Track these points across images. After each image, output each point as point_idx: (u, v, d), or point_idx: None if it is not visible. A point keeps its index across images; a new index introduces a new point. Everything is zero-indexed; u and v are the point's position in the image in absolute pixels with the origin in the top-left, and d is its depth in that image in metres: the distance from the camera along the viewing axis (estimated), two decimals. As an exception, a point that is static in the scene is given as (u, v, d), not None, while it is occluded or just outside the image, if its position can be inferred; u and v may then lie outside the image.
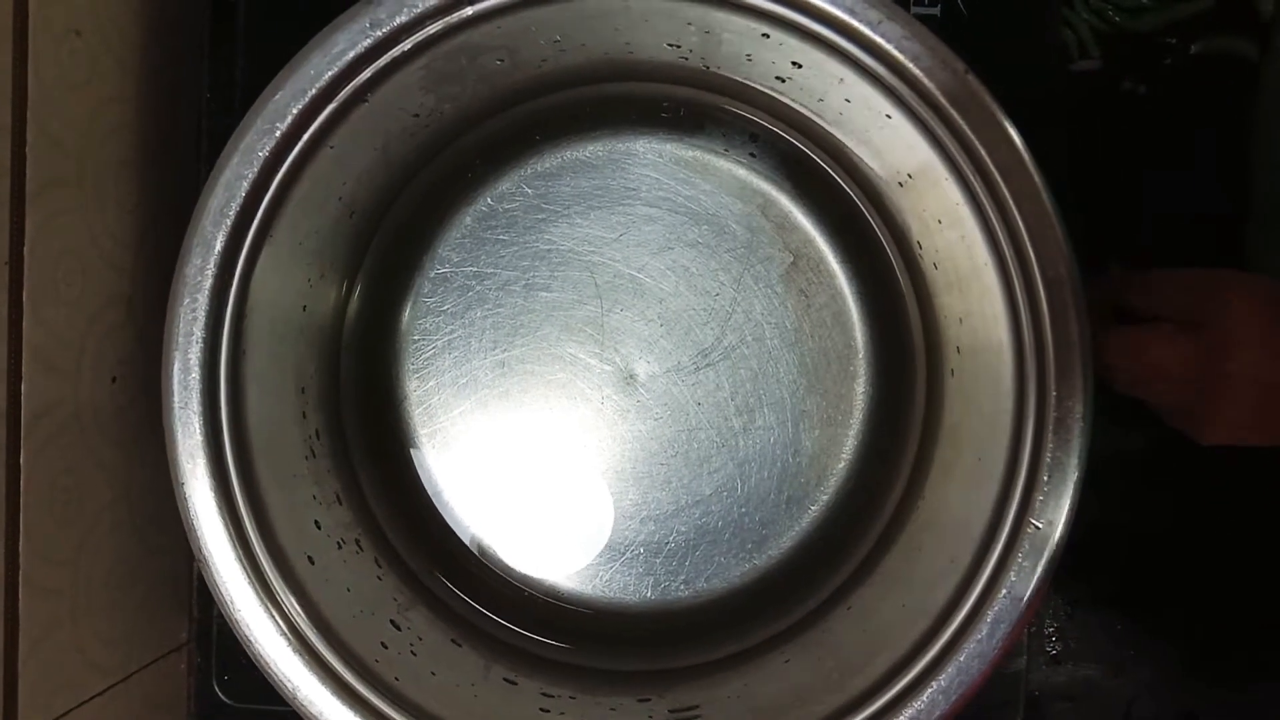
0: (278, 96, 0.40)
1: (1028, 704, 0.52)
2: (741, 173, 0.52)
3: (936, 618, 0.41)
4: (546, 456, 0.52)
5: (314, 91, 0.41)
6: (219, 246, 0.41)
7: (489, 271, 0.52)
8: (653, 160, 0.52)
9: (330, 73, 0.41)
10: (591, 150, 0.52)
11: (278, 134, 0.40)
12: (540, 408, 0.52)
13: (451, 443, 0.52)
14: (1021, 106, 0.40)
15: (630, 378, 0.52)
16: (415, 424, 0.52)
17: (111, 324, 0.48)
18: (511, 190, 0.52)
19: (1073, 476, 0.40)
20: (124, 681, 0.50)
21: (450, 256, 0.52)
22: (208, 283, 0.41)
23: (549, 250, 0.52)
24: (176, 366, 0.41)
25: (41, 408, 0.43)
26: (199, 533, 0.41)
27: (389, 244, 0.52)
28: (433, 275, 0.52)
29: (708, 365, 0.52)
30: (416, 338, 0.52)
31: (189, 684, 0.54)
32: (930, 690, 0.40)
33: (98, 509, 0.48)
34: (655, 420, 0.52)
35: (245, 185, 0.41)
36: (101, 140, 0.47)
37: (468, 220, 0.52)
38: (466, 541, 0.52)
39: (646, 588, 0.52)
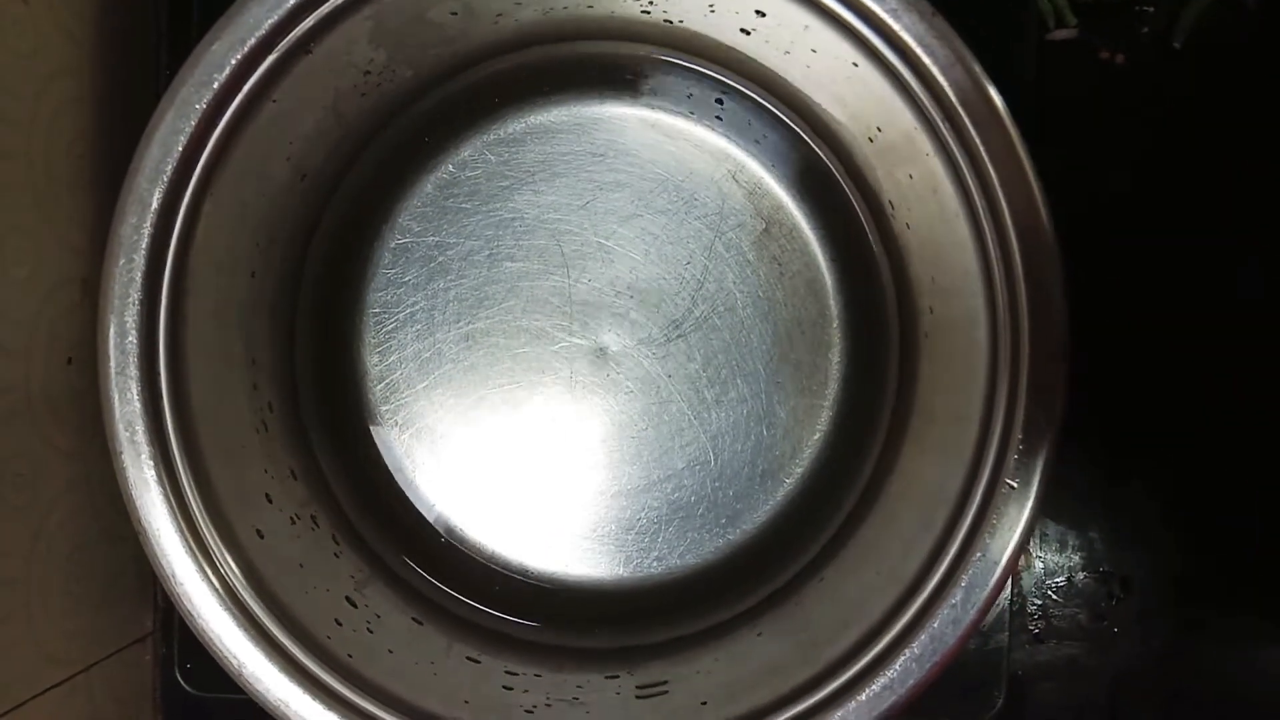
0: (215, 46, 0.39)
1: (1010, 683, 0.51)
2: (710, 136, 0.50)
3: (909, 585, 0.40)
4: (514, 432, 0.51)
5: (253, 41, 0.39)
6: (155, 205, 0.39)
7: (452, 241, 0.50)
8: (618, 125, 0.50)
9: (270, 20, 0.39)
10: (555, 115, 0.51)
11: (215, 86, 0.39)
12: (507, 382, 0.50)
13: (415, 419, 0.51)
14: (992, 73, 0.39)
15: (599, 350, 0.50)
16: (376, 400, 0.51)
17: (66, 305, 0.47)
18: (473, 157, 0.51)
19: (1048, 433, 0.38)
20: (84, 673, 0.49)
21: (411, 226, 0.51)
22: (144, 242, 0.39)
23: (513, 219, 0.50)
24: (112, 330, 0.39)
25: (-9, 391, 0.42)
26: (136, 502, 0.39)
27: (346, 212, 0.51)
28: (393, 245, 0.51)
29: (679, 336, 0.50)
30: (377, 311, 0.51)
31: (154, 674, 0.53)
32: (903, 658, 0.38)
33: (54, 495, 0.46)
34: (625, 394, 0.50)
35: (182, 140, 0.39)
36: (52, 114, 0.46)
37: (429, 188, 0.51)
38: (431, 520, 0.51)
39: (618, 564, 0.50)
